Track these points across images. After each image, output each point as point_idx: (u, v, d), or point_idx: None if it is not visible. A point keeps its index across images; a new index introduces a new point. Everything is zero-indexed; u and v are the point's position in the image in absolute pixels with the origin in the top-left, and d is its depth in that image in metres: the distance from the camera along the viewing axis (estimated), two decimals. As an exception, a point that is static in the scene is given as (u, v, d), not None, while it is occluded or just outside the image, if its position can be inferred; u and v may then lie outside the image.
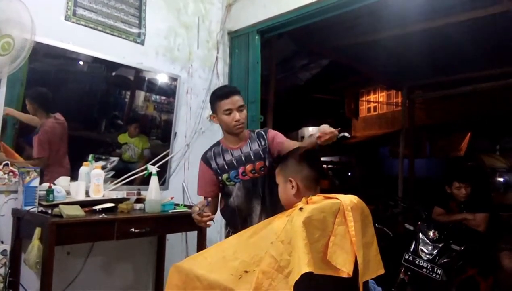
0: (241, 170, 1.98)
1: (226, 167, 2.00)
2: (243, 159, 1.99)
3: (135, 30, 2.78)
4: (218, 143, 2.10)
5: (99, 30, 2.58)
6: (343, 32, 4.20)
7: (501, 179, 6.53)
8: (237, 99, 1.95)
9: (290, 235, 1.27)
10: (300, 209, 1.35)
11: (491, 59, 4.90)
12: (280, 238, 1.29)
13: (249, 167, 1.97)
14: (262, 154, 1.99)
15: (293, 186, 1.57)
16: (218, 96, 1.98)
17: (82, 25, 2.50)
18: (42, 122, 2.34)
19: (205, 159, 2.06)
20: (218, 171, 2.02)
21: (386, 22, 3.82)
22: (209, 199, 1.97)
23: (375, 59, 5.00)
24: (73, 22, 2.46)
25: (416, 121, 7.22)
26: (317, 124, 2.06)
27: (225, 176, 2.00)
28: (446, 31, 4.04)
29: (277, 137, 2.00)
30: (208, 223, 1.85)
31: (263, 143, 2.01)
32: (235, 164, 1.99)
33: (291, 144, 1.91)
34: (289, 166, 1.62)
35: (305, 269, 1.18)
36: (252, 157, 1.98)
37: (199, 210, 1.82)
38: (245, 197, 1.98)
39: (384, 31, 4.10)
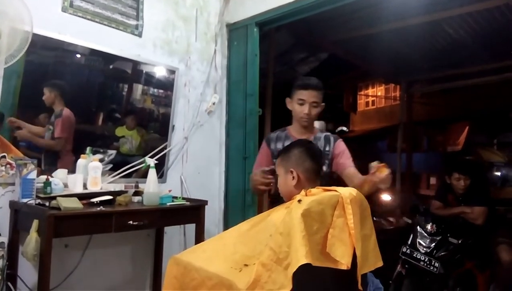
0: None
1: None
2: None
3: (132, 22, 2.75)
4: (284, 129, 2.11)
5: (97, 22, 2.56)
6: (342, 25, 4.18)
7: (498, 173, 6.55)
8: (313, 95, 1.97)
9: (288, 227, 1.27)
10: (299, 201, 1.35)
11: (490, 53, 4.90)
12: (279, 230, 1.29)
13: None
14: None
15: (293, 177, 1.57)
16: (298, 84, 2.02)
17: (80, 16, 2.47)
18: (62, 108, 2.39)
19: (268, 139, 2.11)
20: (275, 153, 2.02)
21: (385, 15, 3.81)
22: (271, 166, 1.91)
23: (373, 53, 4.99)
24: (70, 13, 2.43)
25: (414, 116, 7.22)
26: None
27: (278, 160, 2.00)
28: (445, 24, 4.04)
29: (341, 156, 1.98)
30: (265, 187, 1.85)
31: (326, 149, 2.00)
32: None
33: (352, 173, 1.89)
34: (291, 157, 1.62)
35: (303, 261, 1.18)
36: None
37: (262, 172, 1.84)
38: None
39: (383, 24, 4.09)
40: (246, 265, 1.30)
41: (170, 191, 2.54)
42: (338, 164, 1.95)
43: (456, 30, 4.18)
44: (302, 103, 1.97)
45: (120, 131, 2.70)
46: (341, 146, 2.02)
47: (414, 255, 2.93)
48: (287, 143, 2.00)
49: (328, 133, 2.09)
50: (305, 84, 1.99)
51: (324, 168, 1.94)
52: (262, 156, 2.12)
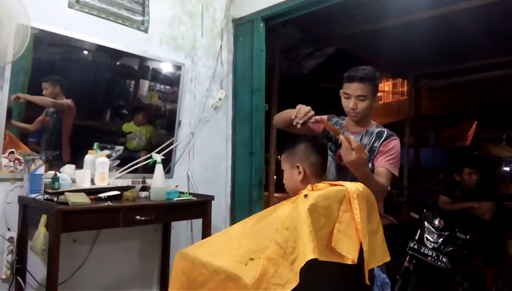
0: (339, 151, 1.84)
1: (333, 138, 1.92)
2: None
3: (138, 17, 2.75)
4: (344, 118, 1.98)
5: (103, 18, 2.56)
6: (348, 19, 4.15)
7: (507, 169, 6.51)
8: (359, 87, 1.79)
9: (295, 222, 1.27)
10: (305, 196, 1.34)
11: (499, 47, 4.84)
12: (285, 225, 1.29)
13: None
14: (366, 152, 1.81)
15: (299, 172, 1.57)
16: (344, 76, 1.85)
17: (86, 12, 2.48)
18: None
19: (330, 116, 2.02)
20: (329, 134, 1.94)
21: (392, 9, 3.78)
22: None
23: (380, 47, 4.96)
24: (77, 9, 2.44)
25: (421, 111, 7.18)
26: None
27: (329, 143, 1.92)
28: (453, 18, 3.99)
29: (383, 154, 1.80)
30: (301, 120, 1.68)
31: (375, 144, 1.83)
32: (339, 142, 1.85)
33: (376, 173, 1.76)
34: (296, 151, 1.62)
35: (310, 256, 1.17)
36: None
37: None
38: (331, 176, 1.85)
39: (390, 18, 4.06)
40: (251, 259, 1.30)
41: (177, 186, 2.55)
42: (375, 161, 1.80)
43: (464, 24, 4.13)
44: (348, 97, 1.82)
45: (127, 127, 2.71)
46: (389, 145, 1.82)
47: (422, 250, 2.92)
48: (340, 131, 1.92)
49: (384, 130, 1.89)
50: (349, 77, 1.81)
51: (370, 165, 1.79)
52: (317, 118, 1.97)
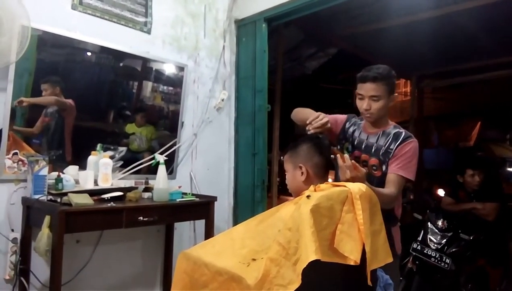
0: (356, 153, 1.85)
1: (350, 138, 1.91)
2: (363, 146, 1.86)
3: (141, 19, 2.76)
4: (362, 119, 1.95)
5: (106, 19, 2.57)
6: (351, 20, 4.14)
7: (511, 169, 6.47)
8: (372, 88, 1.76)
9: (297, 222, 1.27)
10: (308, 196, 1.34)
11: (503, 46, 4.81)
12: (288, 226, 1.29)
13: (364, 156, 1.85)
14: (381, 154, 1.80)
15: (302, 173, 1.56)
16: (358, 76, 1.82)
17: (89, 14, 2.49)
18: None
19: (349, 116, 2.01)
20: (344, 131, 1.94)
21: (395, 10, 3.77)
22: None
23: (383, 47, 4.94)
24: (80, 11, 2.45)
25: (425, 111, 7.15)
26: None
27: (346, 143, 1.91)
28: (456, 18, 3.98)
29: (398, 158, 1.75)
30: (317, 125, 1.70)
31: (391, 146, 1.78)
32: (355, 143, 1.89)
33: (387, 180, 1.75)
34: (299, 152, 1.61)
35: (313, 257, 1.17)
36: (372, 150, 1.82)
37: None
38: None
39: (392, 19, 4.05)
40: (254, 259, 1.30)
41: (179, 187, 2.56)
42: (389, 166, 1.76)
43: (467, 24, 4.12)
44: (361, 98, 1.79)
45: (129, 128, 2.72)
46: (405, 148, 1.76)
47: (425, 251, 2.91)
48: (357, 131, 1.92)
49: (401, 131, 1.83)
50: (362, 77, 1.78)
51: (383, 168, 1.80)
52: (337, 117, 1.98)
